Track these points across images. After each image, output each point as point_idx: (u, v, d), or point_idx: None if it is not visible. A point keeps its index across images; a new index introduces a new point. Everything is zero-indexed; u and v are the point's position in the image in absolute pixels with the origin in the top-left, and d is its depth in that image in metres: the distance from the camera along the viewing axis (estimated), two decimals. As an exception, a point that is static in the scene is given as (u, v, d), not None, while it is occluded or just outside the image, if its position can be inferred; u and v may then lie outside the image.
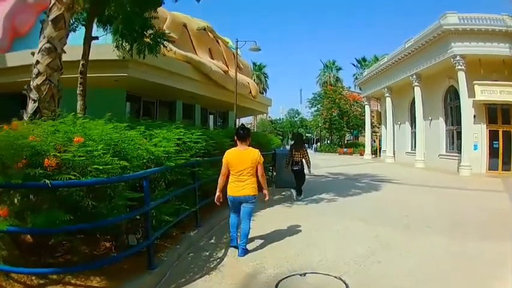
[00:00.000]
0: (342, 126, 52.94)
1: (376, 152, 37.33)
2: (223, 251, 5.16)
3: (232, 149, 5.27)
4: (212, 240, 5.74)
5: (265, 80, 68.77)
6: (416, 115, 23.79)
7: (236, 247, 5.13)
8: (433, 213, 8.40)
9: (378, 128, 38.64)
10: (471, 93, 18.35)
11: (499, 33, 17.96)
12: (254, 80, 31.44)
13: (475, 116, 18.81)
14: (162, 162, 4.81)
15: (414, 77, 23.39)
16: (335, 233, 6.31)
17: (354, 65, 62.80)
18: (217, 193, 5.15)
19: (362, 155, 38.52)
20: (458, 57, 18.41)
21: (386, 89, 29.20)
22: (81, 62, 7.56)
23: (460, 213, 8.46)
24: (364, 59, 59.79)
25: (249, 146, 5.21)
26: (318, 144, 61.97)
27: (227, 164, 5.08)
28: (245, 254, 4.98)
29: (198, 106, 20.07)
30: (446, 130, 22.23)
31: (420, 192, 12.21)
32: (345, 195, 10.40)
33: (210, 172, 6.54)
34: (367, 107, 36.59)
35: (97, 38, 8.14)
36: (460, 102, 19.06)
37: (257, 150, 5.20)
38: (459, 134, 19.98)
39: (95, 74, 10.00)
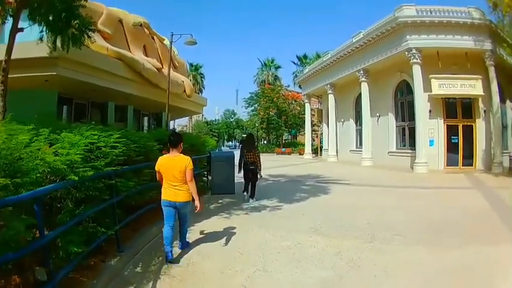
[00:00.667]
0: (280, 126, 54.61)
1: (317, 151, 38.36)
2: (151, 283, 4.59)
3: (164, 156, 5.61)
4: (138, 268, 5.12)
5: (202, 81, 71.39)
6: (363, 112, 24.71)
7: (172, 262, 5.27)
8: (398, 217, 8.08)
9: (319, 126, 39.82)
10: (427, 87, 19.41)
11: (463, 25, 19.02)
12: (190, 80, 31.94)
13: (430, 111, 19.91)
14: (66, 175, 4.12)
15: (362, 72, 24.31)
16: (287, 252, 5.72)
17: (294, 62, 64.67)
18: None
19: (301, 154, 39.60)
20: (413, 50, 19.33)
21: (328, 86, 30.18)
22: (3, 59, 7.26)
23: (431, 216, 8.30)
24: (305, 56, 61.61)
25: (181, 152, 5.55)
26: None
27: (159, 171, 5.47)
28: (185, 247, 5.85)
29: (130, 107, 19.96)
30: (397, 126, 23.33)
31: (376, 193, 12.15)
32: (291, 201, 10.14)
33: (132, 183, 5.93)
34: (307, 105, 37.67)
35: (22, 29, 7.85)
36: (413, 97, 19.98)
37: (187, 157, 5.51)
38: (411, 130, 21.07)
39: (22, 74, 10.23)
